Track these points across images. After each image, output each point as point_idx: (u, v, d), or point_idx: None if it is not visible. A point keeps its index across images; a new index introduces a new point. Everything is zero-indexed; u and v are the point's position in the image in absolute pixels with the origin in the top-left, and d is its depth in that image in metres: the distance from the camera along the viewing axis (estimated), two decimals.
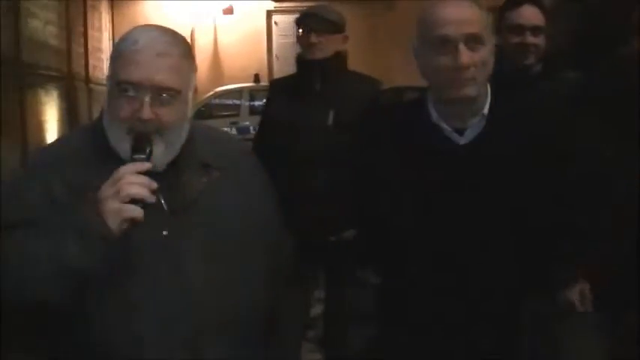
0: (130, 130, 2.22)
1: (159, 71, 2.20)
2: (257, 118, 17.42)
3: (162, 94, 2.21)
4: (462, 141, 2.62)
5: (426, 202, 2.59)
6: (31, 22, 15.95)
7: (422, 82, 2.68)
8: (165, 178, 2.28)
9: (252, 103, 18.99)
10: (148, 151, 2.19)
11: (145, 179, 2.11)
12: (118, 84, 2.23)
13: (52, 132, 17.05)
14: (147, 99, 2.20)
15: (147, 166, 2.14)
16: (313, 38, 4.52)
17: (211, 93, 20.02)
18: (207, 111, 18.62)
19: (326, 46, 4.51)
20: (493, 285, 2.59)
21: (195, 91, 2.35)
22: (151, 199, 2.12)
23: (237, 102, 19.20)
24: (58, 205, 2.24)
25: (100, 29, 23.34)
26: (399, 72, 14.79)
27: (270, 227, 2.50)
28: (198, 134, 2.41)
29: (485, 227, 2.56)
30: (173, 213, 2.29)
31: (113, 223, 2.09)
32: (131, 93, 2.21)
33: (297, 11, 4.85)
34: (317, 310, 5.13)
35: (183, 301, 2.26)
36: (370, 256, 2.95)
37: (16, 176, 2.53)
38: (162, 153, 2.26)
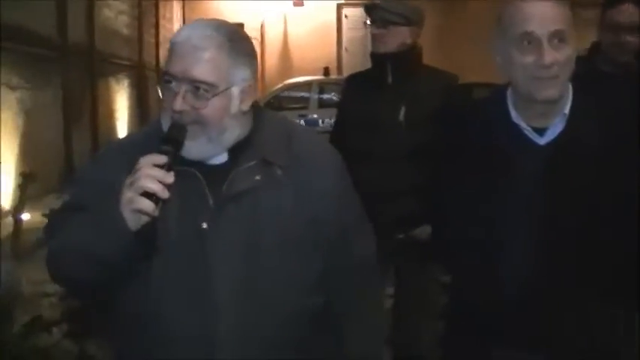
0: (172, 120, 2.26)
1: (193, 64, 2.21)
2: (326, 111, 17.36)
3: (198, 86, 2.21)
4: (542, 141, 2.55)
5: (505, 202, 2.52)
6: (104, 12, 16.15)
7: (491, 79, 2.62)
8: (219, 170, 2.29)
9: (321, 95, 19.05)
10: (175, 142, 2.19)
11: (159, 173, 2.10)
12: (164, 75, 2.28)
13: (122, 120, 17.27)
14: (181, 91, 2.21)
15: (163, 159, 2.12)
16: (374, 30, 4.47)
17: (280, 85, 20.10)
18: (276, 103, 18.71)
19: (389, 39, 4.42)
20: (569, 289, 2.52)
21: (258, 86, 2.32)
22: (164, 194, 2.10)
23: (307, 95, 19.25)
24: (115, 189, 2.24)
25: (171, 20, 23.56)
26: (469, 68, 14.65)
27: (336, 230, 2.41)
28: (269, 129, 2.38)
29: (564, 228, 2.49)
30: (217, 206, 2.27)
31: (127, 214, 2.11)
32: (172, 84, 2.24)
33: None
34: (386, 305, 5.09)
35: (210, 296, 2.24)
36: (444, 254, 2.90)
37: (88, 161, 2.58)
38: (203, 146, 2.25)
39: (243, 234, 2.26)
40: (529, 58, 2.45)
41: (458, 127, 2.74)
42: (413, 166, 4.13)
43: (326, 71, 21.11)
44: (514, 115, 2.58)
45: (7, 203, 9.99)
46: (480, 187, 2.56)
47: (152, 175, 2.09)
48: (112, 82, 16.76)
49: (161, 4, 21.89)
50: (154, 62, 20.99)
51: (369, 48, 4.67)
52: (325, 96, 18.85)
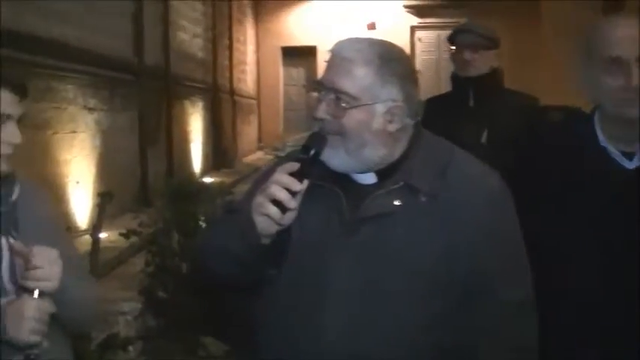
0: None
1: (338, 74, 2.23)
2: None
3: (340, 97, 2.22)
4: (631, 165, 2.51)
5: (592, 227, 2.48)
6: (179, 35, 16.38)
7: (566, 102, 2.57)
8: (365, 190, 2.28)
9: None
10: (312, 151, 2.21)
11: (288, 180, 2.13)
12: (314, 84, 2.35)
13: (196, 142, 17.44)
14: (324, 99, 2.24)
15: (295, 166, 2.16)
16: (467, 55, 4.44)
17: None
18: None
19: (480, 63, 4.42)
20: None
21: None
22: (290, 203, 2.13)
23: None
24: None
25: (244, 42, 23.80)
26: (543, 90, 14.49)
27: (476, 270, 2.22)
28: (423, 154, 2.31)
29: None
30: (349, 225, 2.25)
31: (256, 218, 2.16)
32: (321, 93, 2.27)
33: (441, 27, 4.79)
34: None
35: (321, 313, 2.23)
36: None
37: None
38: (342, 157, 2.24)
39: (367, 257, 2.22)
40: (617, 82, 2.42)
41: (542, 150, 2.71)
42: None
43: None
44: (602, 138, 2.54)
45: (83, 222, 10.17)
46: (567, 210, 2.52)
47: (281, 183, 2.13)
48: (187, 104, 16.96)
49: (235, 28, 22.12)
50: (227, 84, 21.20)
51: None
52: None
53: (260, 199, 2.16)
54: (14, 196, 2.37)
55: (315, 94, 2.30)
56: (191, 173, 15.95)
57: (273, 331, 2.32)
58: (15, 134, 2.29)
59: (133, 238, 6.75)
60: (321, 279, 2.24)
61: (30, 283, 2.22)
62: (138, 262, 7.00)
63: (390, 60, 2.26)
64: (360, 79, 2.22)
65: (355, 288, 2.21)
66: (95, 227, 7.06)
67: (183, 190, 7.32)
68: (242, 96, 23.27)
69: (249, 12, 24.49)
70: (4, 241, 2.31)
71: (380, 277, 2.21)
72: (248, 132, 24.02)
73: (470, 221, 2.22)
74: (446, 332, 2.22)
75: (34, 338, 2.21)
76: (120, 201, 10.53)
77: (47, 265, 2.23)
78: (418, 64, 23.91)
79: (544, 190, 2.60)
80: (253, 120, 25.26)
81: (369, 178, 2.30)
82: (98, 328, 5.20)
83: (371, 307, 2.21)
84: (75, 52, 10.25)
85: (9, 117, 2.27)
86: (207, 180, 15.55)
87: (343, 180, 2.29)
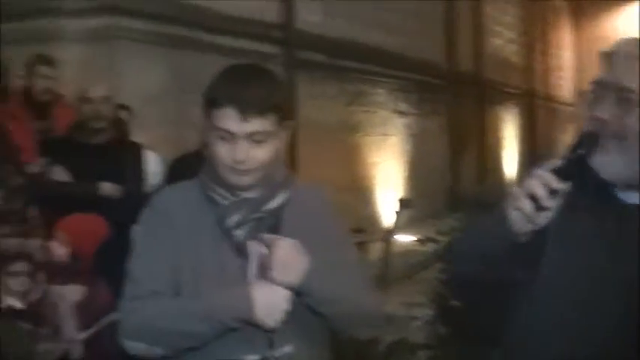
0: None
1: (622, 71, 2.08)
2: None
3: (627, 95, 2.06)
4: None
5: None
6: (493, 40, 16.30)
7: None
8: (628, 207, 2.11)
9: None
10: (579, 152, 2.03)
11: (548, 178, 1.97)
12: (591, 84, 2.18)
13: (509, 149, 17.26)
14: (605, 98, 2.08)
15: (558, 164, 2.00)
16: None
17: None
18: None
19: None
20: None
21: None
22: (545, 201, 1.97)
23: None
24: None
25: (560, 48, 23.30)
26: None
27: None
28: None
29: None
30: (612, 245, 2.09)
31: (510, 211, 2.00)
32: (601, 92, 2.12)
33: None
34: None
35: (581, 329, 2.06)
36: None
37: None
38: (619, 165, 2.07)
39: (629, 279, 2.06)
40: None
41: None
42: None
43: None
44: None
45: (390, 225, 10.36)
46: None
47: (541, 178, 2.00)
48: (500, 110, 16.83)
49: (550, 33, 21.73)
50: (544, 91, 20.84)
51: None
52: None
53: (516, 191, 2.02)
54: (273, 204, 2.44)
55: (592, 95, 2.13)
56: (501, 180, 15.83)
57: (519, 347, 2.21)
58: (233, 151, 2.29)
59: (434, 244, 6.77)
60: (578, 296, 2.09)
61: (271, 273, 2.29)
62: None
63: None
64: None
65: (614, 311, 2.05)
66: (388, 232, 7.15)
67: (486, 198, 7.25)
68: (560, 103, 22.80)
69: (565, 17, 23.97)
70: (255, 245, 2.37)
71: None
72: (565, 140, 23.49)
73: None
74: None
75: (277, 326, 2.28)
76: (424, 207, 10.62)
77: (278, 256, 2.29)
78: None
79: None
80: (571, 128, 24.66)
81: (633, 198, 2.11)
82: (386, 331, 5.25)
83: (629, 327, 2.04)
84: (387, 57, 10.47)
85: (230, 134, 2.29)
86: None
87: (604, 195, 2.12)
